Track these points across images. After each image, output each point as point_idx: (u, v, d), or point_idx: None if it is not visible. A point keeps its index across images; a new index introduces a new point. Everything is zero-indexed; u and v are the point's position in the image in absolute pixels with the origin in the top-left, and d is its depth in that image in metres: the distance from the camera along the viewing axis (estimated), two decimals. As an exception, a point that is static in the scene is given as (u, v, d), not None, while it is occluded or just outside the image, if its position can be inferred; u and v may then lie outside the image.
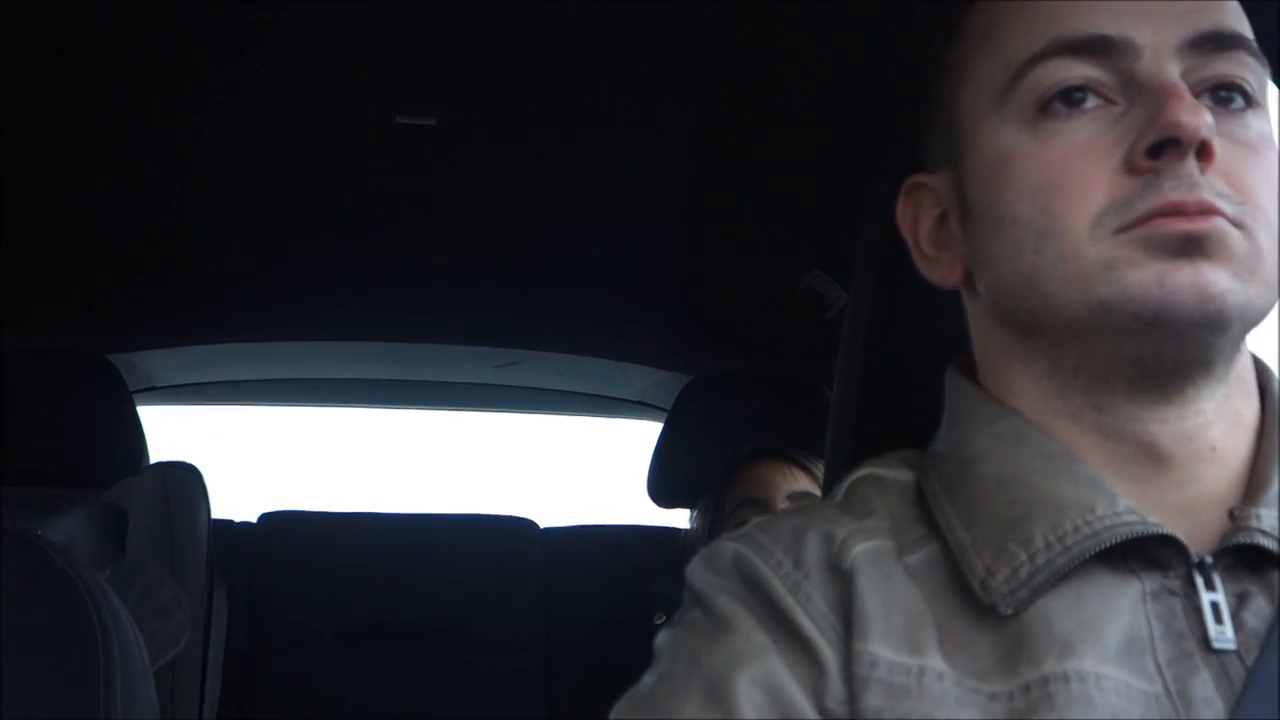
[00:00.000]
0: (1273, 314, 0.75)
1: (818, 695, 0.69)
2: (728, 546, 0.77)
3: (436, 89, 1.52)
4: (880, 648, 0.69)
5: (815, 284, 1.92)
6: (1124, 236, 0.70)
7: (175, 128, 1.60)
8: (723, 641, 0.71)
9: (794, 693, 0.69)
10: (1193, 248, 0.68)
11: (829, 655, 0.70)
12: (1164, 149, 0.70)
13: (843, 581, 0.72)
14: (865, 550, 0.73)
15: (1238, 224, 0.69)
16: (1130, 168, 0.71)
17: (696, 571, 0.77)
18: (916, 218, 0.85)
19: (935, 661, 0.69)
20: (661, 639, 0.76)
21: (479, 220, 1.89)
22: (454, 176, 1.74)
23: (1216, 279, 0.68)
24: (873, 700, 0.68)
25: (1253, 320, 0.72)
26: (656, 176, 1.76)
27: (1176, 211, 0.69)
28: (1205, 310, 0.68)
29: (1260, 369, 0.79)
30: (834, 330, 1.04)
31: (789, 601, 0.72)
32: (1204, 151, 0.70)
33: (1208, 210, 0.69)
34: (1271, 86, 0.79)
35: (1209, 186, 0.69)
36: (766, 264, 1.97)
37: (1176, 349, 0.70)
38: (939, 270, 0.84)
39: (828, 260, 1.87)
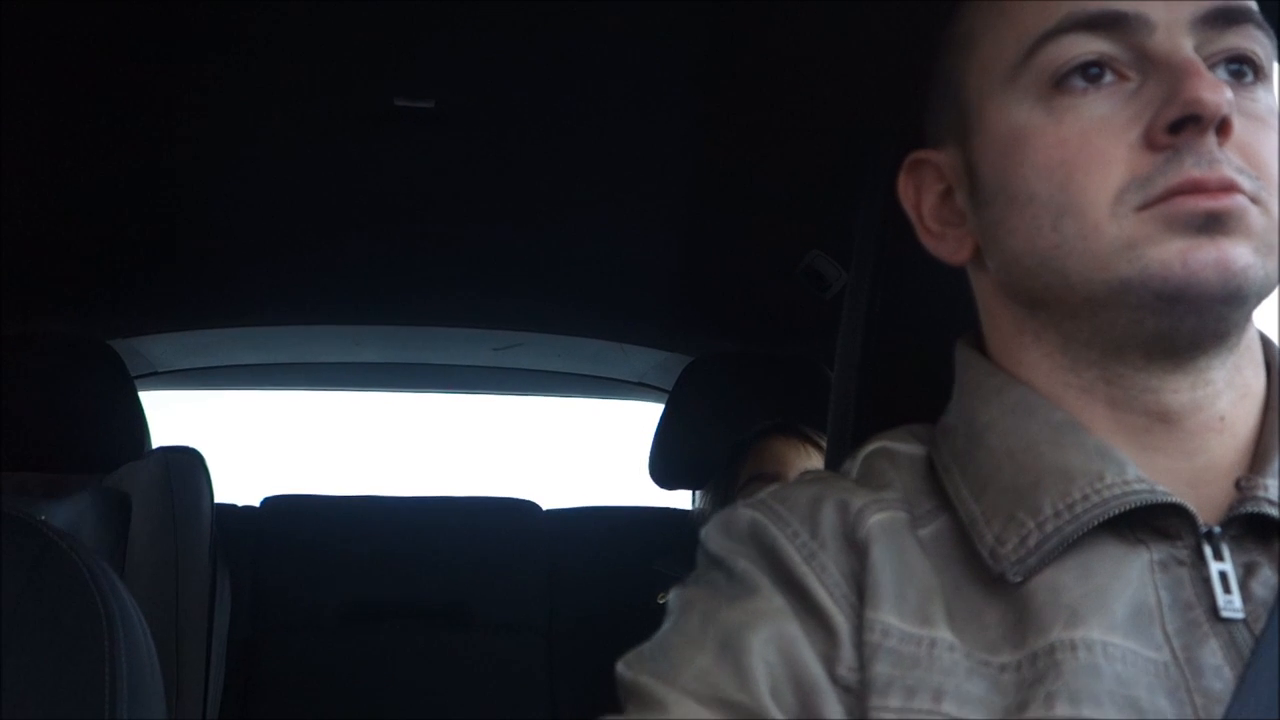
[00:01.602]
0: (1272, 299, 0.76)
1: (830, 664, 0.70)
2: (744, 513, 0.77)
3: (435, 72, 1.52)
4: (892, 617, 0.70)
5: (815, 264, 1.92)
6: (1146, 214, 0.70)
7: (174, 112, 1.60)
8: (742, 601, 0.72)
9: (808, 657, 0.69)
10: (1214, 225, 0.69)
11: (841, 623, 0.71)
12: (1185, 125, 0.70)
13: (858, 551, 0.73)
14: (881, 521, 0.74)
15: (1255, 199, 0.70)
16: (1150, 143, 0.71)
17: (713, 536, 0.77)
18: (919, 193, 0.85)
19: (944, 634, 0.70)
20: (675, 597, 0.76)
21: (477, 203, 1.89)
22: (453, 159, 1.74)
23: (1238, 255, 0.69)
24: (882, 668, 0.69)
25: (1268, 293, 0.72)
26: (656, 157, 1.75)
27: (1198, 188, 0.69)
28: (1228, 286, 0.69)
29: (1265, 342, 0.80)
30: (834, 310, 1.04)
31: (804, 570, 0.73)
32: (1223, 127, 0.70)
33: (1228, 186, 0.69)
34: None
35: (1228, 162, 0.70)
36: (766, 244, 1.96)
37: (1195, 323, 0.70)
38: (946, 246, 0.84)
39: (827, 240, 1.86)
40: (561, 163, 1.76)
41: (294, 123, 1.64)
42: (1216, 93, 0.69)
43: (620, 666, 0.73)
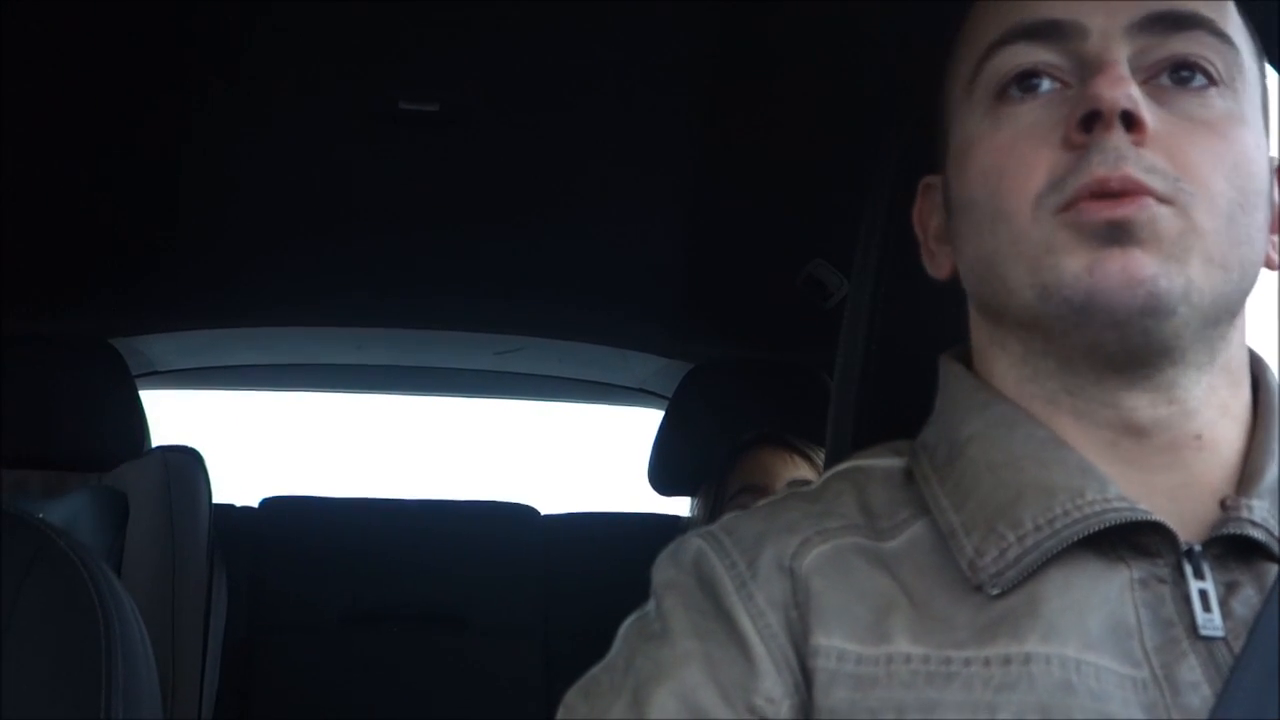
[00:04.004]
0: (1273, 313, 0.75)
1: (745, 692, 0.70)
2: (694, 542, 0.78)
3: (439, 75, 1.52)
4: (846, 642, 0.70)
5: (816, 272, 1.92)
6: (1060, 219, 0.71)
7: (178, 112, 1.60)
8: (655, 647, 0.73)
9: (710, 701, 0.70)
10: (1120, 234, 0.69)
11: (761, 654, 0.71)
12: (1092, 122, 0.70)
13: (796, 584, 0.73)
14: (821, 552, 0.74)
15: (1168, 199, 0.69)
16: (1066, 143, 0.72)
17: (660, 565, 0.79)
18: (928, 217, 0.87)
19: (903, 646, 0.70)
20: (623, 626, 0.78)
21: (481, 207, 1.89)
22: (456, 163, 1.74)
23: (1144, 264, 0.69)
24: (842, 693, 0.69)
25: (1204, 302, 0.71)
26: (659, 164, 1.76)
27: (1102, 187, 0.69)
28: (1135, 295, 0.69)
29: (1254, 360, 0.79)
30: (835, 318, 1.04)
31: (733, 599, 0.73)
32: (1132, 124, 0.70)
33: (1131, 186, 0.69)
34: (1271, 74, 0.79)
35: (1137, 160, 0.70)
36: (768, 252, 1.97)
37: (1118, 337, 0.70)
38: (934, 263, 0.86)
39: (829, 249, 1.87)
40: (565, 167, 1.77)
41: (298, 124, 1.64)
42: (1116, 88, 0.70)
43: (562, 706, 0.75)
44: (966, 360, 0.83)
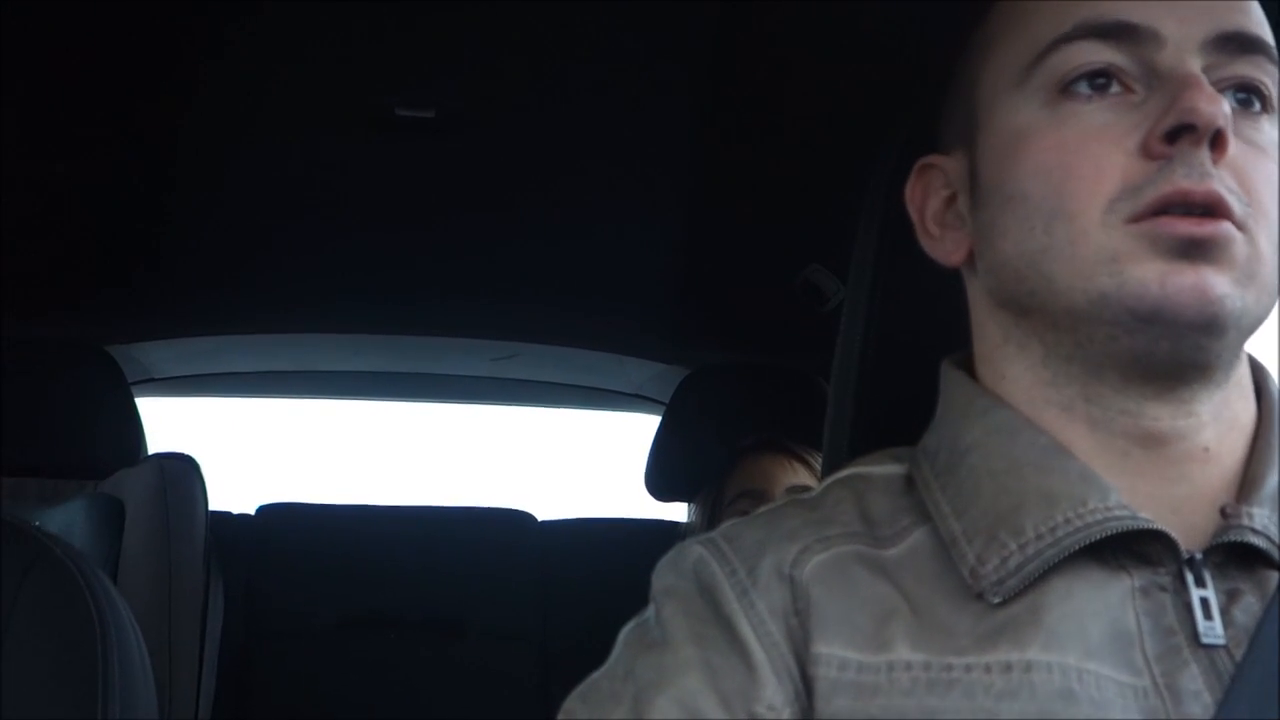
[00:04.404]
0: (1272, 317, 0.76)
1: (746, 700, 0.70)
2: (695, 549, 0.78)
3: (435, 81, 1.52)
4: (847, 650, 0.70)
5: (813, 277, 1.92)
6: (1132, 229, 0.70)
7: (174, 118, 1.60)
8: (656, 654, 0.73)
9: (711, 708, 0.70)
10: (1196, 251, 0.69)
11: (762, 661, 0.71)
12: (1180, 135, 0.70)
13: (797, 592, 0.73)
14: (821, 561, 0.74)
15: (1241, 225, 0.70)
16: (1145, 152, 0.71)
17: (660, 572, 0.79)
18: (925, 197, 0.86)
19: (903, 654, 0.70)
20: (622, 632, 0.78)
21: (477, 213, 1.89)
22: (453, 169, 1.74)
23: (1216, 283, 0.69)
24: (842, 702, 0.69)
25: (1249, 326, 0.72)
26: (655, 169, 1.76)
27: (1185, 199, 0.69)
28: (1204, 313, 0.69)
29: (1256, 369, 0.80)
30: (832, 323, 1.04)
31: (734, 607, 0.73)
32: (1218, 142, 0.70)
33: (1215, 201, 0.69)
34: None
35: (1220, 179, 0.70)
36: (765, 257, 1.97)
37: (1170, 348, 0.71)
38: (942, 248, 0.84)
39: (826, 253, 1.86)
40: (561, 173, 1.77)
41: (294, 131, 1.64)
42: (1213, 104, 0.70)
43: (561, 711, 0.75)
44: (967, 367, 0.83)
